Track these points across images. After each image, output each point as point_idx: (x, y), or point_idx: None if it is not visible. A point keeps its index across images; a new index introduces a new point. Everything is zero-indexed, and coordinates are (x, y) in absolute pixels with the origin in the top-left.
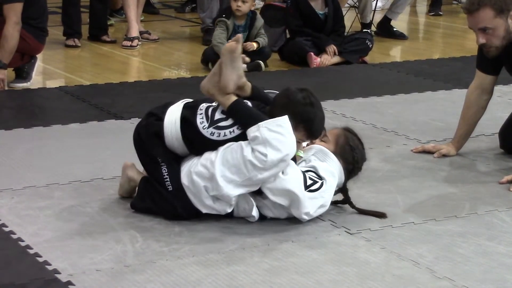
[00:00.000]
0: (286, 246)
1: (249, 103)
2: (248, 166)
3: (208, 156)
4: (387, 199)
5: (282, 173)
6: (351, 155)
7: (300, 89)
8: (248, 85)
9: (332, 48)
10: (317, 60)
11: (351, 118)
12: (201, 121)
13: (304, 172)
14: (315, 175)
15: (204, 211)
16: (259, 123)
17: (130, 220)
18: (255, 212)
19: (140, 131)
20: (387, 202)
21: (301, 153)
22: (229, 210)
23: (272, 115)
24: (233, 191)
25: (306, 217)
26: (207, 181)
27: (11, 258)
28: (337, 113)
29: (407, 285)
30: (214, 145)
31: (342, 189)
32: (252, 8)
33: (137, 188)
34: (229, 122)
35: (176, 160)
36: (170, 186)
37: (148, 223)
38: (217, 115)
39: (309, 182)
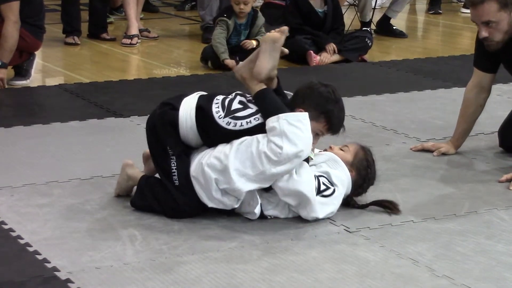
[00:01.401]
0: (285, 244)
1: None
2: (262, 159)
3: (222, 148)
4: (387, 197)
5: (296, 173)
6: (366, 170)
7: (324, 83)
8: (275, 80)
9: (331, 46)
10: (316, 58)
11: (350, 116)
12: (217, 111)
13: (317, 177)
14: (327, 181)
15: (210, 205)
16: (280, 115)
17: (129, 218)
18: (257, 210)
19: (155, 120)
20: (385, 201)
21: (312, 155)
22: (236, 206)
23: (293, 105)
24: (245, 186)
25: (311, 219)
26: (219, 173)
27: (11, 255)
28: None
29: (406, 283)
30: (229, 135)
31: (346, 200)
32: (253, 6)
33: (136, 186)
34: (246, 112)
35: (186, 154)
36: (177, 181)
37: (147, 221)
38: (234, 105)
39: (322, 187)
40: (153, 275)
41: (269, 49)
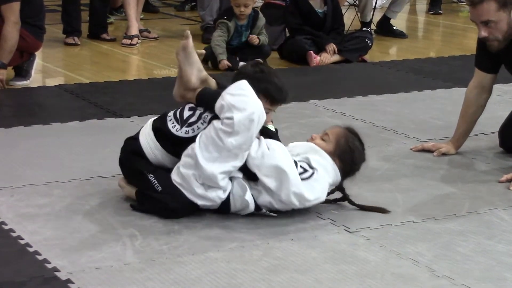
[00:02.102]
0: (285, 245)
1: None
2: (220, 135)
3: (190, 146)
4: (387, 197)
5: (268, 149)
6: (350, 157)
7: (252, 63)
8: (212, 80)
9: (332, 46)
10: (316, 59)
11: (350, 116)
12: (172, 125)
13: (295, 161)
14: (306, 165)
15: (200, 202)
16: (222, 93)
17: (129, 218)
18: (248, 196)
19: (121, 156)
20: (386, 201)
21: (272, 127)
22: (223, 196)
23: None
24: (216, 169)
25: (295, 201)
26: (194, 168)
27: (11, 256)
28: (336, 111)
29: (407, 283)
30: (193, 141)
31: (339, 188)
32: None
33: (135, 197)
34: (197, 114)
35: (161, 168)
36: (159, 187)
37: (148, 221)
38: (185, 114)
39: (299, 170)
40: (153, 275)
41: (184, 57)
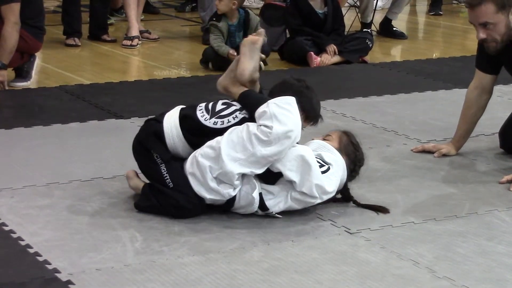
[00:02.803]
0: (286, 246)
1: None
2: (252, 140)
3: (215, 139)
4: (387, 198)
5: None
6: (354, 154)
7: (297, 78)
8: (258, 86)
9: (332, 47)
10: (317, 60)
11: (351, 117)
12: (202, 115)
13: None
14: (321, 160)
15: (208, 196)
16: (269, 100)
17: (130, 219)
18: (256, 194)
19: (139, 135)
20: (387, 201)
21: None
22: (233, 194)
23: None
24: (237, 169)
25: (316, 193)
26: (213, 161)
27: (11, 257)
28: (337, 112)
29: (407, 284)
30: (218, 134)
31: (344, 189)
32: (234, 7)
33: (141, 190)
34: (231, 109)
35: (174, 159)
36: (171, 183)
37: (148, 222)
38: (218, 107)
39: (318, 163)
40: (154, 276)
41: (249, 51)
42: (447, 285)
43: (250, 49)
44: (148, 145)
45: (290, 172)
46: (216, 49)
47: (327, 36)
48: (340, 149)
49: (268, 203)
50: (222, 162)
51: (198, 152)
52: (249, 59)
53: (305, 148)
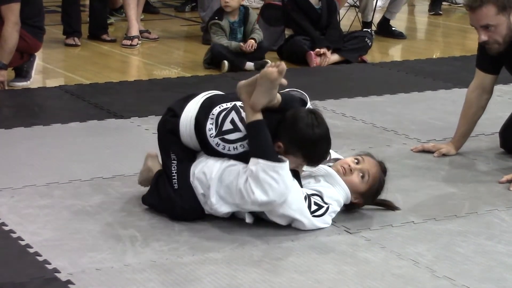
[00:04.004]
0: (285, 245)
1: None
2: (237, 194)
3: (212, 164)
4: (387, 198)
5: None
6: (374, 197)
7: (312, 111)
8: (278, 100)
9: (322, 50)
10: (316, 59)
11: (351, 117)
12: (210, 127)
13: (309, 196)
14: (320, 200)
15: (205, 208)
16: (260, 160)
17: (130, 219)
18: (248, 219)
19: (159, 127)
20: (387, 202)
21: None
22: (226, 215)
23: (276, 133)
24: (223, 208)
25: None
26: (205, 189)
27: (11, 257)
28: (337, 112)
29: (407, 284)
30: (219, 154)
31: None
32: (242, 3)
33: (153, 177)
34: (235, 136)
35: (188, 158)
36: (176, 184)
37: (148, 222)
38: (226, 126)
39: (313, 207)
40: (154, 276)
41: (265, 86)
42: (447, 284)
43: (268, 85)
44: (165, 141)
45: (277, 218)
46: (227, 45)
47: (324, 31)
48: (363, 194)
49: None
50: (210, 199)
51: (196, 172)
52: (264, 94)
53: (294, 199)
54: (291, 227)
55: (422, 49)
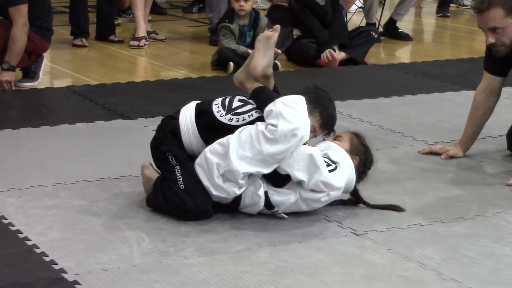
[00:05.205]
0: (292, 247)
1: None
2: (259, 138)
3: (226, 136)
4: (394, 200)
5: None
6: (365, 155)
7: (320, 87)
8: (272, 81)
9: (328, 53)
10: (326, 63)
11: (358, 119)
12: (217, 110)
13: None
14: (328, 160)
15: (214, 192)
16: (276, 99)
17: (136, 220)
18: (261, 192)
19: (156, 133)
20: (394, 203)
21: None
22: (238, 192)
23: None
24: (243, 167)
25: (324, 188)
26: (220, 157)
27: (18, 257)
28: (344, 114)
29: (414, 286)
30: (233, 130)
31: (353, 191)
32: (254, 7)
33: (153, 183)
34: (247, 107)
35: (190, 159)
36: (182, 185)
37: (155, 223)
38: (235, 103)
39: (325, 163)
40: (160, 277)
41: (263, 46)
42: (454, 287)
43: (264, 44)
44: (165, 145)
45: (297, 172)
46: (234, 49)
47: (329, 28)
48: (351, 151)
49: (274, 199)
50: (229, 160)
51: (208, 148)
52: (263, 55)
53: (312, 148)
54: (297, 228)
55: (429, 51)
